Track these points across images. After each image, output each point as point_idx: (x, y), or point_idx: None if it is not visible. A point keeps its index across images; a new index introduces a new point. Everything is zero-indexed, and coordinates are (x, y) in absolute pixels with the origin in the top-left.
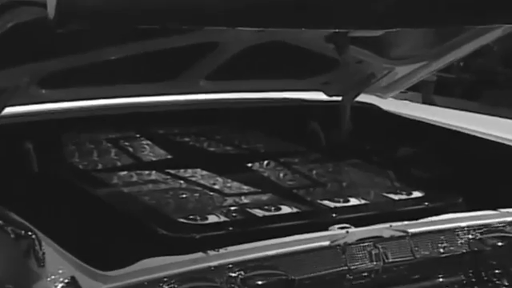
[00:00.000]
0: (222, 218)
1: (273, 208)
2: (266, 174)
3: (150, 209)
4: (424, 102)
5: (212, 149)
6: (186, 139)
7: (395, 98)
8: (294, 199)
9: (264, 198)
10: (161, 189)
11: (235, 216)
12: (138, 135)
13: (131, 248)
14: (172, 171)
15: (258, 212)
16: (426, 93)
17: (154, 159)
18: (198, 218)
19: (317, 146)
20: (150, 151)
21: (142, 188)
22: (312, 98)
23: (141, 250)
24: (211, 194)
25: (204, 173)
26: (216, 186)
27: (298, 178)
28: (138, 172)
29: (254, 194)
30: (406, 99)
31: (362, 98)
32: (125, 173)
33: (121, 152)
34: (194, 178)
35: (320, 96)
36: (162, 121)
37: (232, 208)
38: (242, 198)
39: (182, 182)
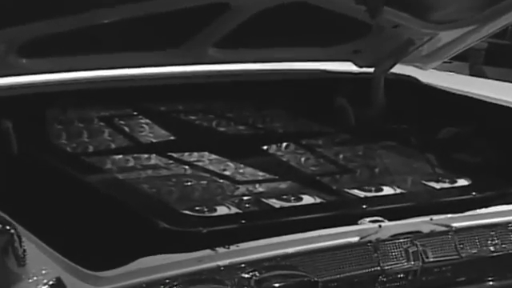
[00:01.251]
0: (234, 210)
1: (293, 198)
2: (284, 159)
3: (149, 199)
4: (472, 74)
5: (222, 129)
6: (192, 117)
7: (437, 68)
8: (318, 188)
9: (282, 186)
10: (162, 175)
11: (248, 207)
12: (135, 113)
13: (127, 244)
14: (175, 155)
15: (276, 203)
16: (475, 63)
17: (154, 141)
18: (206, 209)
19: (345, 125)
20: (150, 131)
21: (140, 174)
22: (339, 70)
23: (139, 247)
24: (221, 181)
25: (212, 157)
26: (226, 173)
27: (322, 162)
28: (136, 156)
29: (271, 181)
30: (450, 70)
31: (398, 69)
32: (120, 157)
33: (115, 132)
34: (200, 163)
35: (349, 67)
36: (163, 96)
37: (245, 198)
38: (257, 186)
39: (186, 167)
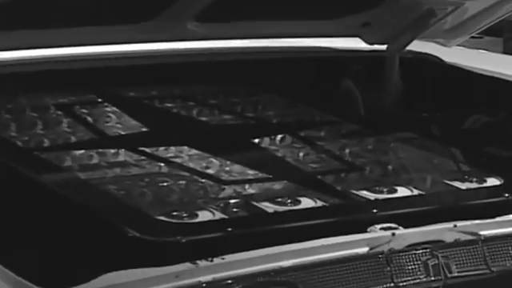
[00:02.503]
0: (218, 215)
1: (289, 201)
2: (279, 154)
3: (117, 202)
4: (505, 52)
5: (204, 118)
6: (168, 105)
7: (464, 45)
8: (319, 189)
9: (277, 187)
10: (132, 175)
11: (236, 212)
12: (100, 99)
13: (91, 257)
14: (148, 150)
15: (269, 207)
16: (509, 38)
17: (122, 133)
18: (185, 214)
19: (352, 113)
20: (118, 122)
21: (105, 174)
22: (345, 47)
23: (104, 260)
24: (203, 181)
25: (193, 152)
26: (210, 171)
27: (324, 158)
28: (101, 151)
29: (263, 181)
30: (480, 48)
31: (417, 46)
32: (82, 152)
33: (76, 123)
34: (178, 160)
35: (357, 44)
36: (133, 79)
37: (232, 201)
38: (246, 187)
39: (161, 165)
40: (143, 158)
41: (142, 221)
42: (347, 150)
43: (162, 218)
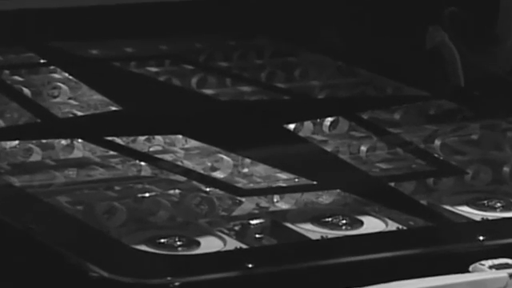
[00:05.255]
0: (231, 244)
1: (343, 221)
2: (328, 147)
3: (71, 224)
4: None
5: (209, 91)
6: (152, 69)
7: None
8: (391, 202)
9: (324, 199)
10: (96, 180)
11: (260, 239)
12: (42, 60)
13: None
14: (120, 141)
15: (311, 230)
16: None
17: (79, 114)
18: (179, 242)
19: (446, 83)
20: (71, 96)
21: (53, 178)
22: None
23: None
24: (207, 190)
25: (192, 144)
26: (218, 174)
27: (400, 155)
28: (45, 143)
29: (303, 190)
30: None
31: None
32: (14, 144)
33: (4, 97)
34: (169, 156)
35: None
36: (96, 28)
37: (253, 222)
38: (275, 199)
39: (142, 164)
40: (113, 153)
41: (112, 252)
42: (437, 142)
43: (142, 247)
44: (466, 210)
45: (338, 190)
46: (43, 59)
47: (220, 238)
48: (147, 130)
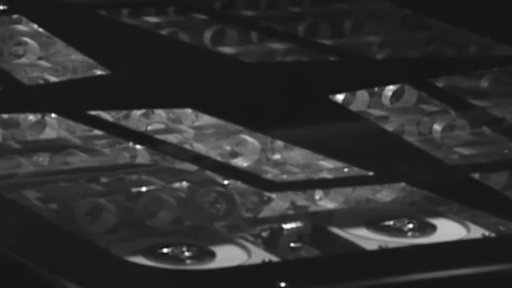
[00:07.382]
0: (258, 255)
1: (410, 226)
2: (389, 126)
3: (44, 228)
4: None
5: (226, 48)
6: (150, 19)
7: None
8: (474, 200)
9: (383, 196)
10: (75, 168)
11: (297, 248)
12: (1, 6)
13: None
14: (107, 115)
15: (366, 237)
16: None
17: (52, 79)
18: (187, 253)
19: None
20: (41, 56)
21: (19, 165)
22: None
23: None
24: (224, 183)
25: (203, 121)
26: (239, 161)
27: (488, 136)
28: (8, 118)
29: (353, 183)
30: None
31: None
32: None
33: None
34: (173, 137)
35: None
36: None
37: (287, 226)
38: (317, 196)
39: (137, 147)
40: (98, 133)
41: (98, 267)
42: None
43: (138, 259)
44: None
45: (403, 184)
46: (3, 5)
47: (243, 247)
48: (144, 102)
